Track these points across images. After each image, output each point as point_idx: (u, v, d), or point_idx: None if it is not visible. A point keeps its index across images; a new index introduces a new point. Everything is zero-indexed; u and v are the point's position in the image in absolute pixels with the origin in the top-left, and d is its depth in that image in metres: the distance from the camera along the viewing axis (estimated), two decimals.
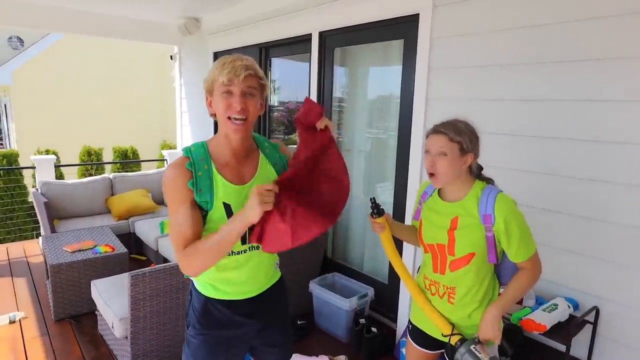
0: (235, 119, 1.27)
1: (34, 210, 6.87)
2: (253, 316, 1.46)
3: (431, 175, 1.49)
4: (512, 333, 2.06)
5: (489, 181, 1.57)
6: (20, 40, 13.23)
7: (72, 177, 7.04)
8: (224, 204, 1.31)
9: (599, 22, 1.88)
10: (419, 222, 1.66)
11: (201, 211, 1.32)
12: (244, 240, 1.37)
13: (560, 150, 2.06)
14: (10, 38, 13.12)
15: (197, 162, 1.30)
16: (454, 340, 1.52)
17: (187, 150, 1.34)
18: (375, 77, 3.39)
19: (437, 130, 1.49)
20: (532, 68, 2.11)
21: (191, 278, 1.47)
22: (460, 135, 1.45)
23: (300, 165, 1.33)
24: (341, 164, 1.37)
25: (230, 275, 1.40)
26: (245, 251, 1.39)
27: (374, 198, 1.60)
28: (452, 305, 1.56)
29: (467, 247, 1.48)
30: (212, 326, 1.44)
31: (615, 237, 1.92)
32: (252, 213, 1.19)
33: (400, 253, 2.83)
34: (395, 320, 2.99)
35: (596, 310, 1.98)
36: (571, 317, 1.96)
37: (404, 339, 2.67)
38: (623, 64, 1.83)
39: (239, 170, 1.37)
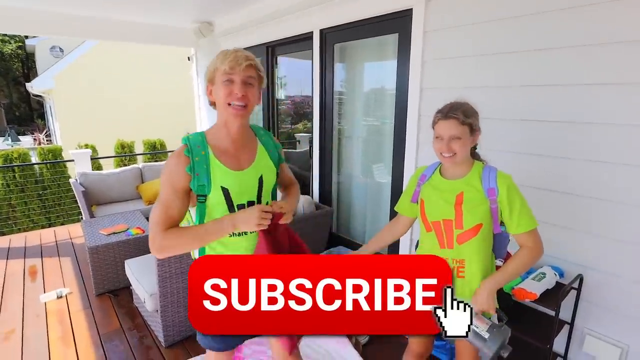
0: (236, 105, 1.18)
1: None
2: None
3: (447, 157, 1.34)
4: (503, 300, 1.92)
5: (481, 159, 1.44)
6: (61, 50, 12.96)
7: (109, 167, 6.92)
8: (222, 187, 1.21)
9: (579, 11, 1.67)
10: (420, 202, 1.49)
11: (198, 197, 1.21)
12: None
13: (545, 132, 1.87)
14: (52, 48, 12.86)
15: (194, 149, 1.20)
16: None
17: (185, 139, 1.23)
18: (371, 71, 3.18)
19: (448, 115, 1.32)
20: (519, 56, 1.91)
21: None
22: (469, 117, 1.31)
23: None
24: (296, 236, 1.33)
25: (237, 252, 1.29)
26: (247, 233, 1.27)
27: None
28: (462, 280, 1.41)
29: (475, 219, 1.34)
30: None
31: (597, 211, 1.75)
32: (246, 225, 1.13)
33: (397, 246, 2.72)
34: None
35: (580, 278, 1.83)
36: (557, 284, 1.82)
37: None
38: (606, 49, 1.63)
39: (237, 156, 1.26)
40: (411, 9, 2.35)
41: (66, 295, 3.12)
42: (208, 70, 1.22)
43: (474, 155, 1.44)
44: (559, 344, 1.93)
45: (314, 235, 3.11)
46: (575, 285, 1.84)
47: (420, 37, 2.31)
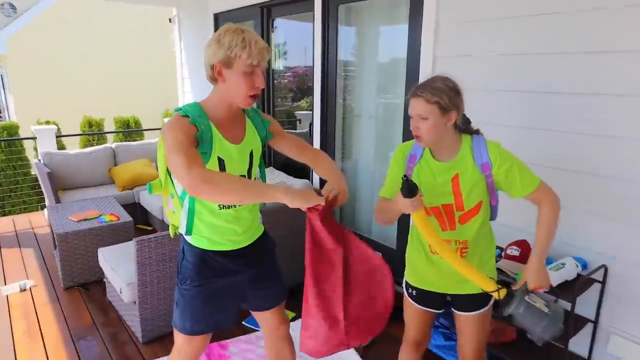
0: (253, 95, 1.44)
1: (38, 182, 7.05)
2: (246, 264, 1.65)
3: (417, 137, 1.54)
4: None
5: (476, 132, 1.62)
6: (13, 7, 13.14)
7: (74, 148, 7.14)
8: (219, 158, 1.47)
9: None
10: None
11: None
12: None
13: (568, 107, 2.06)
14: (1, 4, 13.05)
15: (196, 119, 1.42)
16: (502, 294, 1.50)
17: (183, 110, 1.44)
18: (383, 37, 3.36)
19: (414, 93, 1.49)
20: (543, 19, 2.08)
21: (185, 236, 1.61)
22: (438, 95, 1.45)
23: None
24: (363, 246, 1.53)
25: (225, 228, 1.57)
26: (236, 206, 1.56)
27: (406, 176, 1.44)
28: (465, 257, 1.62)
29: (475, 198, 1.56)
30: (209, 276, 1.60)
31: (627, 194, 1.93)
32: (296, 202, 1.32)
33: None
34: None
35: (605, 268, 2.02)
36: (579, 276, 2.00)
37: None
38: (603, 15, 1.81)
39: (232, 131, 1.53)
40: None
41: (30, 288, 3.37)
42: (224, 52, 1.36)
43: (465, 129, 1.60)
44: (581, 346, 2.12)
45: None
46: (599, 277, 2.03)
47: None
